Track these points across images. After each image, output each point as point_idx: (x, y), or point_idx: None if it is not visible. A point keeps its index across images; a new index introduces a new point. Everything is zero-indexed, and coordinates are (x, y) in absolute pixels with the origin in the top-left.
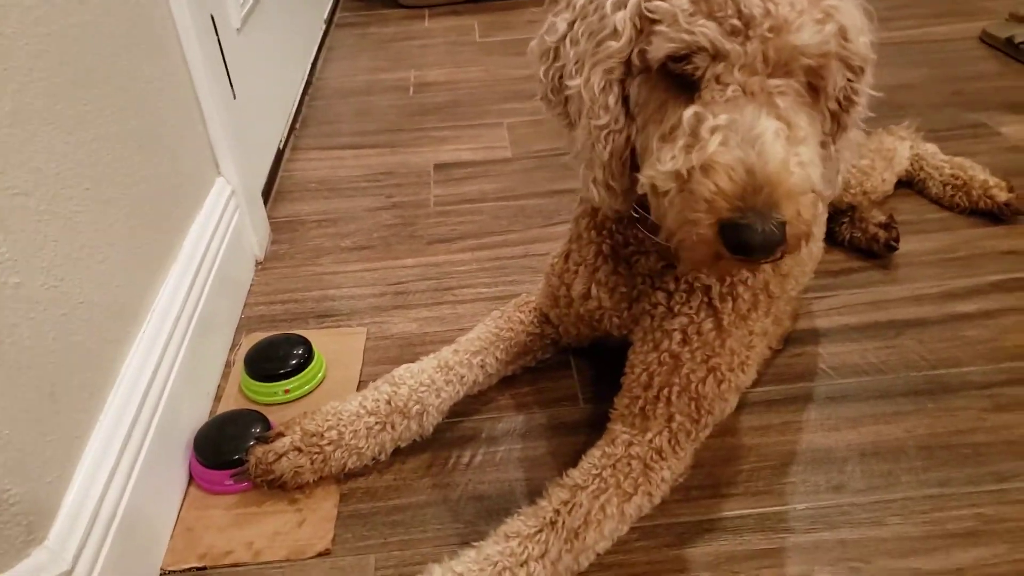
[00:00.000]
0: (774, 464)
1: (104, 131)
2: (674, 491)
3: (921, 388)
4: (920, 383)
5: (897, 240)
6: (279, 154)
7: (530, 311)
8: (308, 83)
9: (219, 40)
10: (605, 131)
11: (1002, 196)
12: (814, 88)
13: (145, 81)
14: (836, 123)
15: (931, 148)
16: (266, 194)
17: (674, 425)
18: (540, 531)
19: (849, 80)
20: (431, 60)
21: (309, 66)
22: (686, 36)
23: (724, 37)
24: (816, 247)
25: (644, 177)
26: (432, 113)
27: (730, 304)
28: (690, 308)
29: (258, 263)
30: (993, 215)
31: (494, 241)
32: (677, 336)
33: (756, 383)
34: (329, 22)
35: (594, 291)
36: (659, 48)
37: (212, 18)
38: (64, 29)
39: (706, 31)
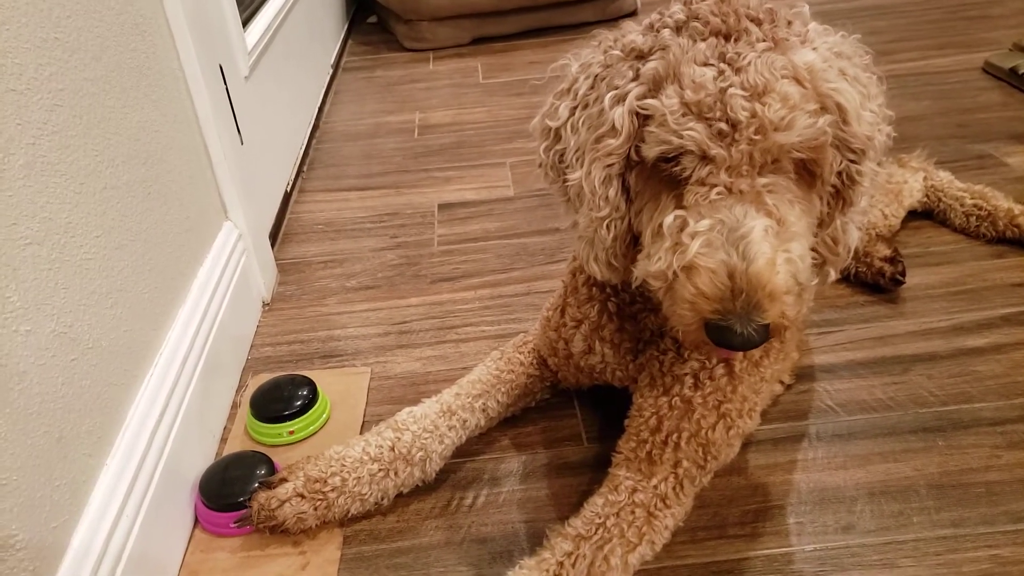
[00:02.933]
0: (781, 504)
1: (114, 180)
2: (680, 532)
3: (931, 425)
4: (930, 420)
5: (903, 274)
6: (286, 197)
7: (528, 352)
8: (315, 127)
9: (227, 88)
10: (607, 220)
11: None
12: (809, 173)
13: (155, 131)
14: (840, 200)
15: (946, 176)
16: (273, 236)
17: (680, 471)
18: None
19: (851, 161)
20: (436, 102)
21: (316, 110)
22: (675, 139)
23: (711, 140)
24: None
25: (637, 271)
26: (436, 154)
27: None
28: (701, 353)
29: (265, 304)
30: (1020, 243)
31: (497, 279)
32: (689, 380)
33: (763, 420)
34: (336, 66)
35: (597, 347)
36: (650, 147)
37: (221, 68)
38: (77, 84)
39: (694, 134)
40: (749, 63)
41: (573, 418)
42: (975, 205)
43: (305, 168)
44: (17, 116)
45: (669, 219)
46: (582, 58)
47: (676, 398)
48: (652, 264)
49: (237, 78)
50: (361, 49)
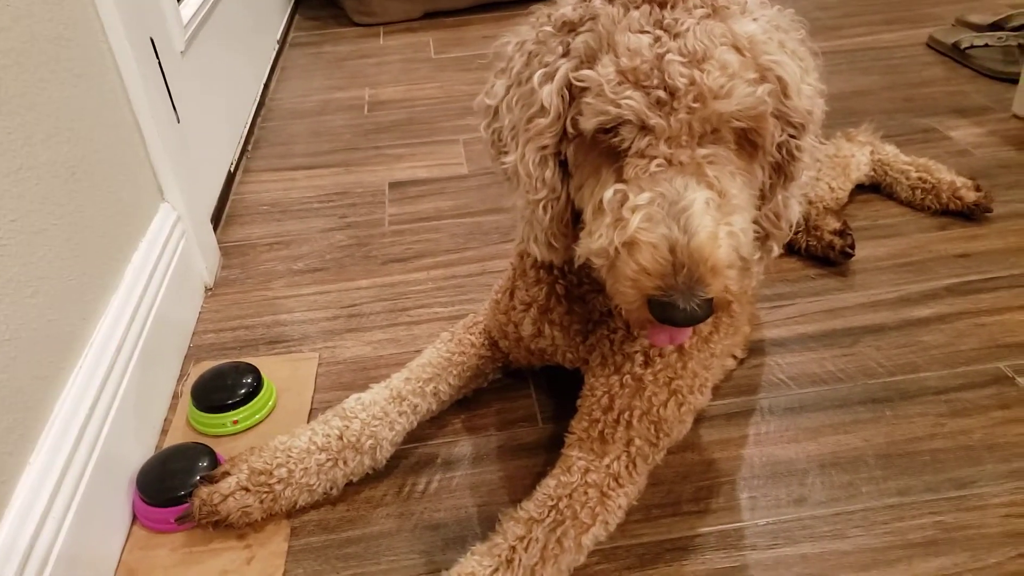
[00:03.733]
0: (734, 479)
1: (31, 160)
2: (634, 511)
3: (879, 396)
4: (878, 391)
5: (853, 247)
6: (230, 177)
7: (479, 333)
8: (260, 104)
9: (160, 64)
10: (543, 202)
11: (971, 196)
12: (752, 144)
13: (78, 107)
14: (781, 175)
15: (891, 150)
16: (216, 218)
17: (633, 449)
18: (496, 570)
19: (791, 136)
20: (386, 78)
21: (261, 87)
22: (611, 108)
23: (649, 109)
24: None
25: (579, 250)
26: (387, 131)
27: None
28: (645, 335)
29: (207, 289)
30: (963, 214)
31: (450, 259)
32: (639, 358)
33: (715, 396)
34: (282, 42)
35: (547, 330)
36: (588, 119)
37: (152, 41)
38: None
39: (632, 103)
40: (687, 29)
41: (527, 399)
42: (920, 178)
43: (250, 147)
44: None
45: (609, 194)
46: (519, 35)
47: (627, 376)
48: (594, 242)
49: (172, 53)
50: (309, 24)
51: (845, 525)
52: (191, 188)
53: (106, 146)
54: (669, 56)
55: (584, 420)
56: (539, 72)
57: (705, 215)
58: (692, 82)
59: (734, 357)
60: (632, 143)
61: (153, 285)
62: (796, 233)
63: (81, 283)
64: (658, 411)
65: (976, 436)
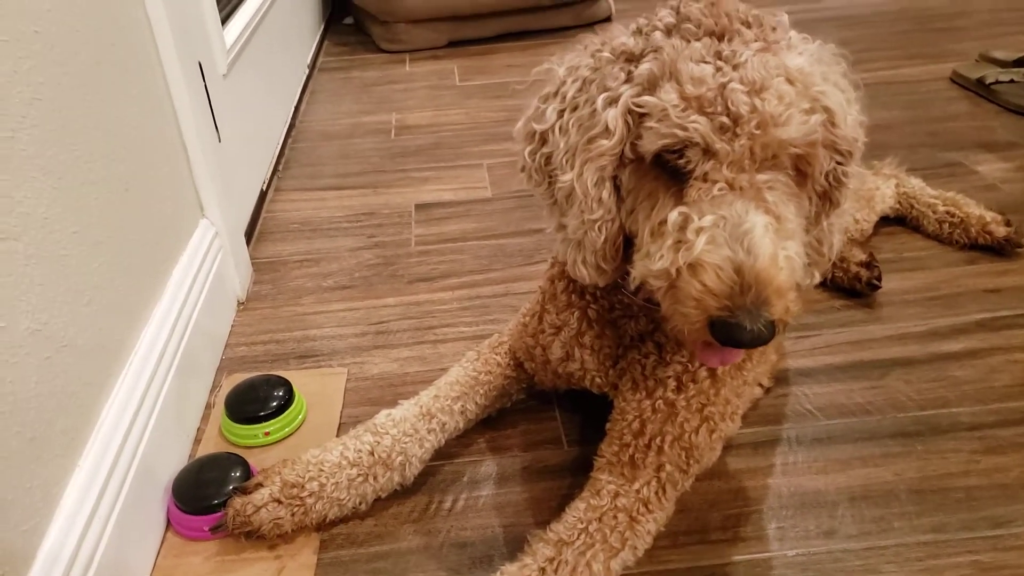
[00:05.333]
0: (763, 508)
1: (92, 176)
2: (662, 536)
3: (910, 430)
4: (908, 424)
5: (879, 279)
6: (262, 195)
7: (505, 353)
8: (291, 126)
9: (206, 86)
10: (599, 222)
11: (1000, 231)
12: (801, 173)
13: (133, 127)
14: (827, 201)
15: (917, 183)
16: (249, 235)
17: (663, 475)
18: None
19: (838, 163)
20: (412, 103)
21: (292, 109)
22: (679, 132)
23: (714, 134)
24: None
25: (635, 272)
26: (413, 155)
27: None
28: (683, 356)
29: (240, 304)
30: (992, 249)
31: (475, 280)
32: (672, 383)
33: (743, 424)
34: (312, 66)
35: (577, 354)
36: (651, 142)
37: (200, 65)
38: (57, 78)
39: (698, 127)
40: (746, 60)
41: (553, 420)
42: (947, 212)
43: (281, 167)
44: None
45: (673, 215)
46: (568, 61)
47: (659, 401)
48: (654, 263)
49: (216, 75)
50: (337, 50)
51: (878, 560)
52: (228, 205)
53: (155, 164)
54: (732, 85)
55: (614, 444)
56: (601, 96)
57: (766, 238)
58: (753, 109)
59: (761, 386)
60: (696, 166)
61: (192, 298)
62: None
63: (128, 294)
64: (690, 437)
65: (1013, 474)
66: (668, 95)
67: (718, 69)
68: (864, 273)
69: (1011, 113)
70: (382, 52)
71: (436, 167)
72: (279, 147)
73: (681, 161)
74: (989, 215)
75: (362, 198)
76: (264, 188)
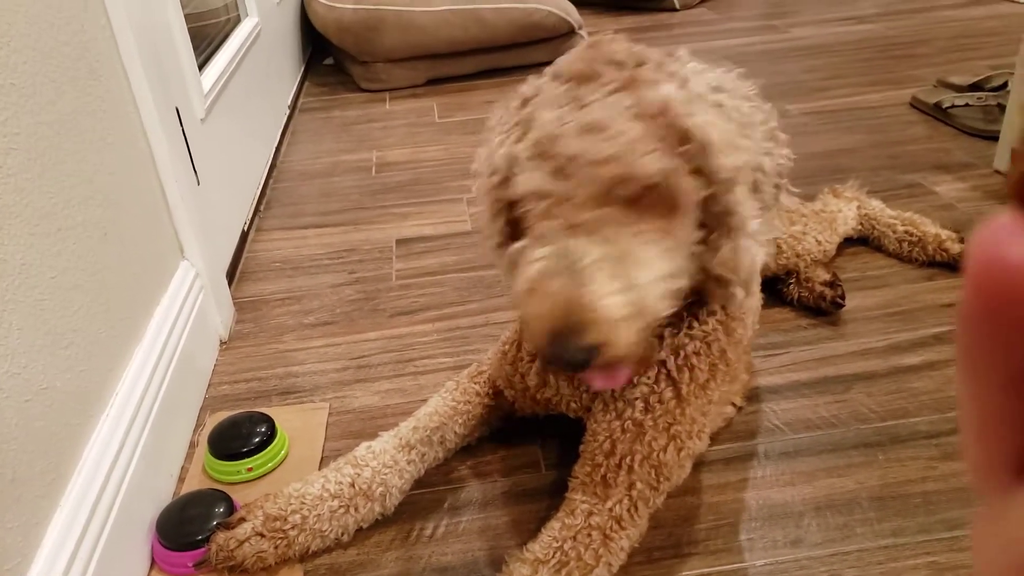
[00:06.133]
0: (733, 521)
1: (70, 221)
2: (637, 552)
3: (872, 440)
4: (871, 435)
5: (843, 297)
6: (243, 235)
7: (484, 382)
8: (272, 166)
9: (183, 131)
10: (499, 250)
11: (955, 248)
12: (667, 202)
13: (110, 172)
14: (724, 227)
15: (878, 205)
16: (231, 275)
17: (634, 493)
18: None
19: (719, 192)
20: (392, 141)
21: (273, 149)
22: (522, 180)
23: (551, 176)
24: (755, 301)
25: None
26: (394, 191)
27: (687, 374)
28: (649, 379)
29: (222, 343)
30: (948, 265)
31: (455, 311)
32: (639, 404)
33: (714, 441)
34: (293, 107)
35: (552, 380)
36: (513, 188)
37: (177, 110)
38: (32, 127)
39: (531, 175)
40: (592, 102)
41: (532, 445)
42: (906, 232)
43: (263, 207)
44: None
45: (515, 248)
46: (502, 106)
47: (628, 421)
48: (510, 291)
49: (193, 120)
50: (318, 90)
51: (841, 565)
52: (209, 246)
53: (133, 208)
54: (567, 127)
55: (587, 465)
56: (496, 139)
57: (596, 269)
58: (582, 152)
59: (733, 405)
60: (537, 207)
61: (173, 339)
62: (788, 285)
63: (109, 336)
64: (658, 455)
65: (967, 479)
66: (523, 142)
67: (563, 114)
68: (828, 292)
69: (967, 135)
70: (362, 91)
71: (416, 202)
72: (260, 187)
73: (525, 209)
74: (944, 233)
75: (343, 235)
76: (246, 228)
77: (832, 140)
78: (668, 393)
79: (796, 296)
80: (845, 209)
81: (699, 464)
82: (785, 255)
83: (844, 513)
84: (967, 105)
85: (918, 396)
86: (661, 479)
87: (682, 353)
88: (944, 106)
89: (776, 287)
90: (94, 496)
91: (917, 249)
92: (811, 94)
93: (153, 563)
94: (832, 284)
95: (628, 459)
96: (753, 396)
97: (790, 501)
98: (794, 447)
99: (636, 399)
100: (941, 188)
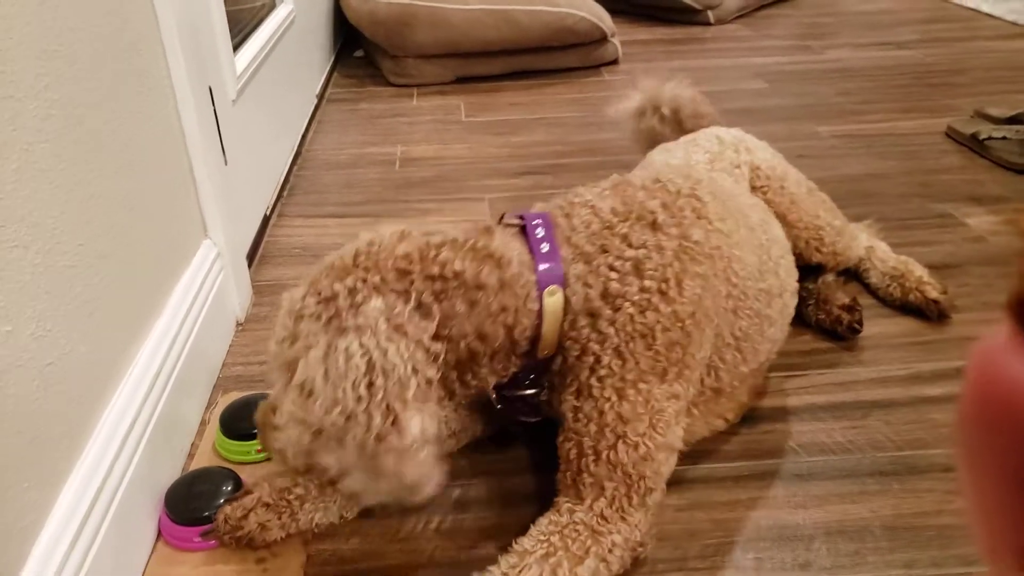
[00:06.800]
0: (741, 539)
1: (101, 190)
2: (640, 564)
3: (887, 469)
4: (886, 464)
5: (860, 323)
6: (266, 220)
7: None
8: (298, 154)
9: (215, 110)
10: None
11: (933, 294)
12: None
13: (142, 146)
14: None
15: (883, 245)
16: (251, 258)
17: (608, 492)
18: None
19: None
20: (417, 137)
21: (299, 138)
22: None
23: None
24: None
25: None
26: (416, 187)
27: (597, 384)
28: (570, 393)
29: (239, 324)
30: (920, 311)
31: None
32: (570, 415)
33: (726, 458)
34: (321, 97)
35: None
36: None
37: (210, 90)
38: (72, 95)
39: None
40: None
41: (546, 445)
42: (893, 267)
43: (286, 193)
44: (12, 122)
45: None
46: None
47: (570, 431)
48: None
49: (225, 101)
50: (346, 82)
51: None
52: (232, 227)
53: (162, 183)
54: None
55: (561, 470)
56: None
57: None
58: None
59: (725, 420)
60: None
61: (192, 316)
62: (807, 305)
63: (130, 308)
64: (608, 455)
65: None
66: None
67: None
68: (845, 317)
69: (1002, 168)
70: (390, 85)
71: (438, 199)
72: (284, 173)
73: None
74: (928, 278)
75: (364, 226)
76: (268, 213)
77: (863, 165)
78: (587, 405)
79: (815, 319)
80: (860, 236)
81: (709, 479)
82: (825, 249)
83: (855, 540)
84: (1004, 138)
85: (938, 428)
86: (630, 476)
87: (587, 371)
88: (980, 137)
89: (797, 307)
90: (108, 462)
91: (895, 284)
92: (843, 117)
93: (160, 535)
94: (850, 308)
95: (583, 462)
96: (768, 416)
97: (801, 524)
98: (808, 470)
99: (567, 411)
100: (973, 220)
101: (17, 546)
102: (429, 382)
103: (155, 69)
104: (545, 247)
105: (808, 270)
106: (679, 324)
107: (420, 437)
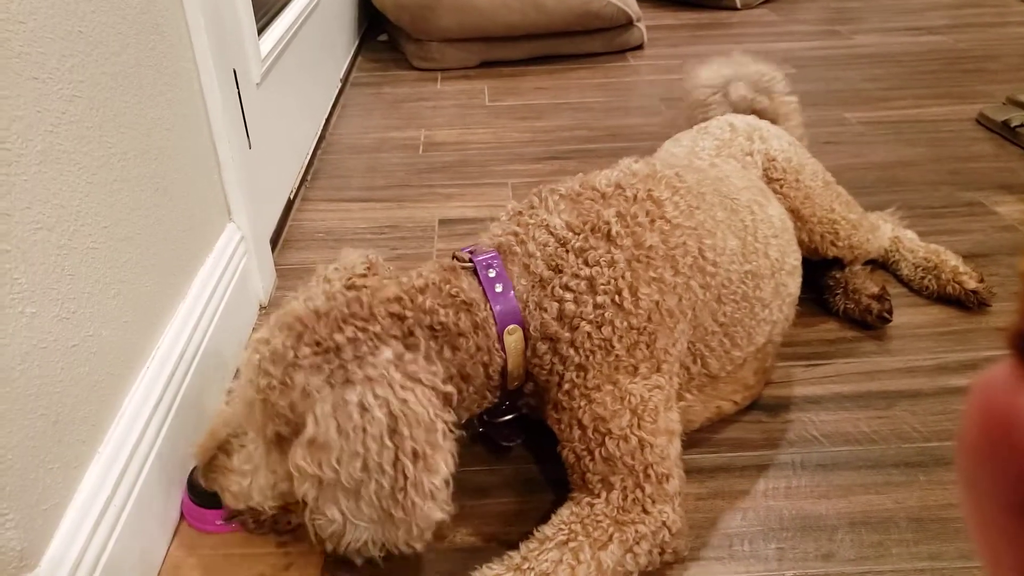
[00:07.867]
0: (763, 529)
1: (125, 173)
2: (672, 563)
3: (913, 460)
4: (912, 455)
5: (890, 312)
6: (289, 203)
7: None
8: (322, 137)
9: (239, 93)
10: None
11: (971, 284)
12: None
13: (167, 129)
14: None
15: (910, 234)
16: (274, 241)
17: (617, 486)
18: (507, 571)
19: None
20: (441, 121)
21: (323, 121)
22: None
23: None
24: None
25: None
26: (439, 171)
27: (566, 398)
28: (550, 409)
29: (262, 307)
30: (959, 302)
31: None
32: (556, 428)
33: (749, 447)
34: (345, 80)
35: None
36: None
37: (234, 72)
38: (97, 77)
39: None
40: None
41: None
42: (925, 258)
43: (309, 177)
44: (37, 104)
45: None
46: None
47: (562, 440)
48: None
49: (249, 84)
50: (370, 65)
51: None
52: (255, 211)
53: (186, 166)
54: None
55: (568, 475)
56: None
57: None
58: None
59: (734, 402)
60: None
61: (215, 299)
62: (835, 295)
63: (154, 290)
64: (601, 452)
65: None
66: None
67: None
68: (875, 306)
69: None
70: (414, 70)
71: (461, 184)
72: (308, 157)
73: None
74: (964, 267)
75: (387, 211)
76: (292, 196)
77: (891, 152)
78: (564, 416)
79: (842, 308)
80: (883, 227)
81: (731, 468)
82: (840, 243)
83: (880, 531)
84: None
85: None
86: (634, 467)
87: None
88: (1013, 124)
89: (823, 296)
90: (131, 446)
91: (930, 277)
92: (872, 103)
93: (182, 517)
94: (880, 298)
95: (583, 463)
96: (792, 405)
97: (824, 514)
98: (832, 460)
99: (551, 420)
100: (1003, 208)
101: (41, 527)
102: (446, 423)
103: (180, 51)
104: (499, 287)
105: (832, 261)
106: (635, 331)
107: (448, 477)
